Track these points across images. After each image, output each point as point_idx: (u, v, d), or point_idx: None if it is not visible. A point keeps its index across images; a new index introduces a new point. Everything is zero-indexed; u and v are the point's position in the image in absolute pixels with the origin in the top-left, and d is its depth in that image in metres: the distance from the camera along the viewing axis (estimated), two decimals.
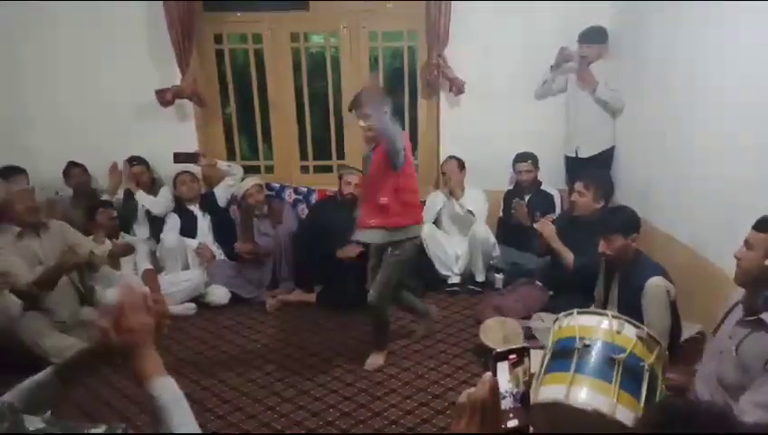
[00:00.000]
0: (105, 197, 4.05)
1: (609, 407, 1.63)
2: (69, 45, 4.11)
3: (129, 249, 3.55)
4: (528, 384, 0.90)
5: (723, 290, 2.27)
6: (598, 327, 1.85)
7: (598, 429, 1.64)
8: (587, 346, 1.78)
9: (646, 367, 1.75)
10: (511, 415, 0.87)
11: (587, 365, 1.75)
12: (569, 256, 3.13)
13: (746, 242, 1.86)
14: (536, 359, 1.61)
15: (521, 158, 4.06)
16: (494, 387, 0.84)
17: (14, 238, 3.10)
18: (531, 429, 0.88)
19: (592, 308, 2.26)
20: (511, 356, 0.88)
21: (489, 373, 0.85)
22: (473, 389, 0.84)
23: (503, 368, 0.87)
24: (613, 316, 1.88)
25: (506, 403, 0.86)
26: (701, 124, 2.97)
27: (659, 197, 3.44)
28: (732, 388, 1.80)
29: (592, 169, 3.63)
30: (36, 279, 3.00)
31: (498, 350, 0.88)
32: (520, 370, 0.88)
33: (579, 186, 3.21)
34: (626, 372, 1.71)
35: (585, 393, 1.68)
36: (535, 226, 3.35)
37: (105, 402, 2.73)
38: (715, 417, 0.74)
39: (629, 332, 1.83)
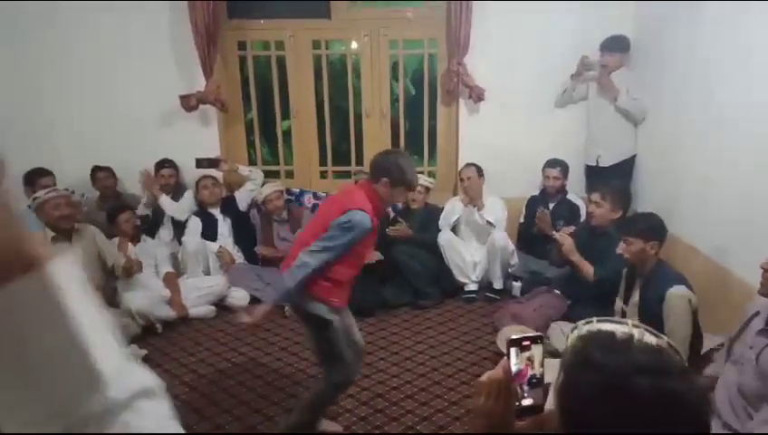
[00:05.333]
0: (141, 206, 4.15)
1: None
2: (95, 50, 4.20)
3: (138, 267, 3.53)
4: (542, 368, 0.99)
5: (745, 301, 2.25)
6: None
7: None
8: None
9: None
10: (525, 395, 0.96)
11: None
12: (588, 270, 3.12)
13: None
14: (554, 368, 1.64)
15: (551, 163, 4.03)
16: (507, 369, 0.96)
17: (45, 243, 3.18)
18: (546, 408, 0.97)
19: (613, 317, 2.25)
20: (524, 343, 0.97)
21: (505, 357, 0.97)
22: (492, 371, 0.97)
23: (514, 353, 0.97)
24: (633, 325, 1.89)
25: (517, 383, 0.96)
26: (723, 135, 2.94)
27: (681, 207, 3.41)
28: (752, 397, 1.79)
29: (609, 179, 3.61)
30: None
31: (513, 337, 0.98)
32: (527, 355, 0.97)
33: (595, 196, 3.20)
34: None
35: None
36: (555, 235, 3.34)
37: None
38: (646, 348, 0.87)
39: (650, 341, 1.84)
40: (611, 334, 0.91)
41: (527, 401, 0.96)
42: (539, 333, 1.00)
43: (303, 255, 2.15)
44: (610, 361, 0.82)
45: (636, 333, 1.88)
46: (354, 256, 2.25)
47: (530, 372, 0.97)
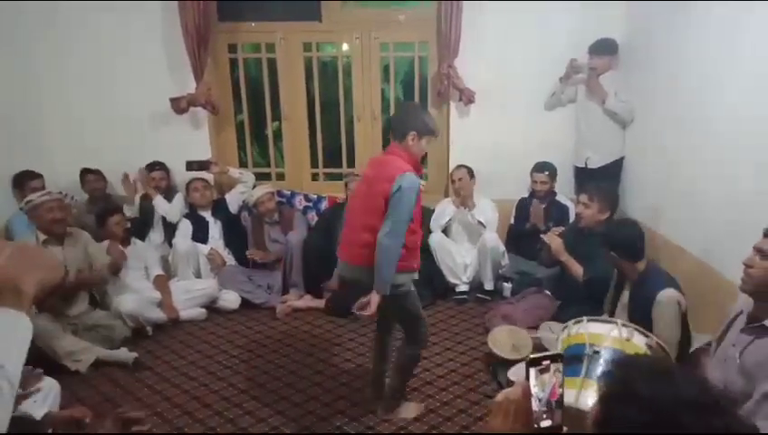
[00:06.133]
0: (126, 206, 4.12)
1: None
2: (85, 52, 4.19)
3: (119, 266, 3.57)
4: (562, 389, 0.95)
5: (731, 301, 2.27)
6: (607, 335, 1.90)
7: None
8: (596, 353, 1.85)
9: None
10: (544, 416, 0.92)
11: (596, 371, 1.80)
12: (578, 269, 3.15)
13: (759, 250, 1.80)
14: None
15: (539, 168, 4.06)
16: (527, 390, 0.91)
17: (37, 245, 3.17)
18: (564, 429, 0.93)
19: (603, 317, 2.27)
20: (544, 362, 0.93)
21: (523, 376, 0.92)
22: (509, 389, 0.94)
23: (534, 373, 0.92)
24: (623, 324, 1.93)
25: (537, 405, 0.92)
26: (710, 136, 2.98)
27: (669, 207, 3.45)
28: (736, 396, 1.80)
29: (597, 181, 3.65)
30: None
31: (532, 356, 0.94)
32: (547, 376, 0.93)
33: (583, 198, 3.24)
34: None
35: (594, 398, 1.72)
36: (543, 238, 3.37)
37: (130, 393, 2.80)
38: (691, 379, 0.79)
39: (639, 340, 1.88)
40: (651, 363, 0.85)
41: (545, 423, 0.92)
42: (558, 352, 0.97)
43: (385, 238, 2.22)
44: (655, 394, 0.75)
45: (625, 332, 1.90)
46: (415, 220, 2.35)
47: (542, 393, 0.92)
